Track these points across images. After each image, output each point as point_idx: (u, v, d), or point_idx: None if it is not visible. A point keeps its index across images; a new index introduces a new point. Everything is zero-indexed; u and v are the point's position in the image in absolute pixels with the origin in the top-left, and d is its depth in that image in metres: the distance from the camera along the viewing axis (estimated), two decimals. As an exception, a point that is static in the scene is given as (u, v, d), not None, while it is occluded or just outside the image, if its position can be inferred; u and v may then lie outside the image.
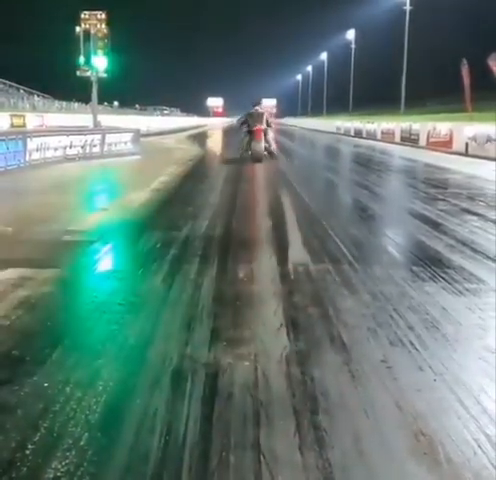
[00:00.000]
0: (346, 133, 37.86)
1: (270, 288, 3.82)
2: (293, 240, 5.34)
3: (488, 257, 4.78)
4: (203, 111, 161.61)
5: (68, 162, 12.52)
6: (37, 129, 11.51)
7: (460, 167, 13.14)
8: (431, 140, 22.06)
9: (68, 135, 12.72)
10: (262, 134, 12.59)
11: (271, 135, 13.34)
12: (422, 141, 23.04)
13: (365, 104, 79.85)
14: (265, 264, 4.44)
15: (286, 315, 3.32)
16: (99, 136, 13.90)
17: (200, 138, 28.68)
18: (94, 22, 14.71)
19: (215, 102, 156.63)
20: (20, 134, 10.50)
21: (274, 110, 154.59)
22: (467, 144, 18.21)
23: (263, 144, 12.60)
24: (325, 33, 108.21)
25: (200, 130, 46.08)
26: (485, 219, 6.57)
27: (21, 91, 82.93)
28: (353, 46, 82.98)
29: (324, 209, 7.29)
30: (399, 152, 19.98)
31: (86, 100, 15.58)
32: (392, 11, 60.91)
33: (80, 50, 14.98)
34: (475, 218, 6.62)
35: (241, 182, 9.83)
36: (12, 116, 37.11)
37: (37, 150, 11.13)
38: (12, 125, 36.72)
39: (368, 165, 13.82)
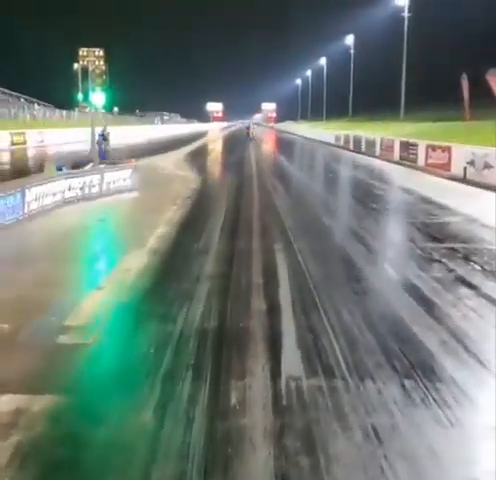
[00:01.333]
0: (345, 145, 37.81)
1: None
2: (286, 332, 5.36)
3: (481, 363, 4.79)
4: (203, 116, 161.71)
5: (67, 206, 12.54)
6: (36, 178, 11.49)
7: (458, 204, 13.13)
8: (429, 161, 22.09)
9: (66, 179, 12.72)
10: (251, 132, 50.70)
11: (254, 132, 51.38)
12: (420, 161, 23.07)
13: (365, 108, 79.92)
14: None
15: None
16: (98, 176, 13.94)
17: (199, 158, 28.66)
18: (92, 59, 15.16)
19: (215, 107, 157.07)
20: (19, 187, 10.51)
21: (274, 114, 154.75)
22: (465, 169, 18.23)
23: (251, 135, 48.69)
24: (324, 38, 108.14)
25: (199, 143, 46.04)
26: (479, 295, 6.58)
27: (22, 100, 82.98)
28: (352, 51, 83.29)
29: (317, 275, 7.28)
30: (397, 178, 19.98)
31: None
32: (391, 17, 60.96)
33: (78, 87, 15.01)
34: (470, 294, 6.63)
35: (239, 237, 9.83)
36: (12, 134, 37.28)
37: (35, 199, 11.17)
38: (12, 143, 36.91)
39: (365, 201, 13.84)
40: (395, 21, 59.19)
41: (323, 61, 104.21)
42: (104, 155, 20.74)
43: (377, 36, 75.79)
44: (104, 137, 21.86)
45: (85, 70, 15.01)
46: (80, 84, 13.61)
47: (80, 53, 17.83)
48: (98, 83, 15.32)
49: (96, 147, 18.86)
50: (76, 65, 16.75)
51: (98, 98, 15.47)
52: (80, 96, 13.63)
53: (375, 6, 70.73)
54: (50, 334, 5.41)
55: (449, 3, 67.08)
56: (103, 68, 17.92)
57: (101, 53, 17.99)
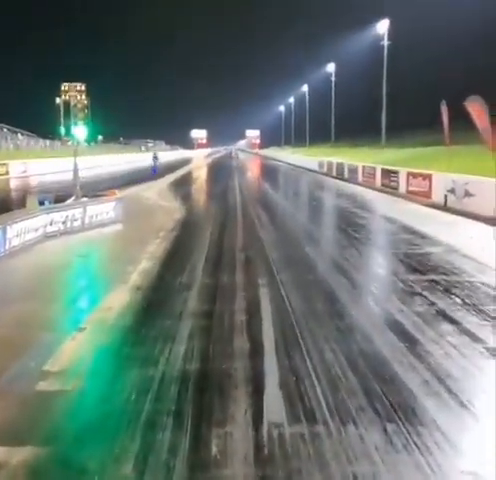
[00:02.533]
0: (328, 172, 38.12)
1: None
2: (268, 374, 5.33)
3: (462, 404, 4.79)
4: (187, 143, 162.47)
5: (49, 240, 12.47)
6: (18, 214, 11.43)
7: (439, 233, 13.24)
8: (410, 188, 22.31)
9: (49, 213, 12.67)
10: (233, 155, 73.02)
11: (237, 155, 77.61)
12: (402, 188, 23.28)
13: (347, 134, 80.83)
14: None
15: None
16: (80, 210, 13.91)
17: (183, 187, 28.73)
18: (74, 94, 15.05)
19: (199, 134, 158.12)
20: (0, 224, 10.44)
21: (258, 141, 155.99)
22: (446, 197, 18.40)
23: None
24: (307, 66, 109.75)
25: (184, 171, 46.19)
26: (461, 330, 6.60)
27: (4, 130, 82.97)
28: (333, 78, 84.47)
29: (300, 311, 7.28)
30: (379, 205, 20.13)
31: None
32: (372, 45, 62.04)
33: (61, 121, 15.02)
34: (451, 329, 6.64)
35: (223, 270, 9.82)
36: (-5, 165, 37.19)
37: (17, 236, 11.10)
38: (-5, 174, 36.76)
39: (348, 231, 13.90)
40: (376, 49, 60.24)
41: (305, 88, 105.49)
42: (156, 170, 37.60)
43: (358, 64, 76.98)
44: (156, 157, 40.07)
45: (67, 104, 15.14)
46: (62, 118, 13.77)
47: (62, 88, 17.96)
48: (80, 117, 15.44)
49: (152, 164, 33.38)
50: (58, 99, 16.89)
51: (80, 131, 15.49)
52: (62, 130, 13.78)
53: (356, 35, 71.86)
54: (29, 380, 5.34)
55: (429, 32, 68.29)
56: (85, 102, 18.06)
57: (83, 87, 18.14)
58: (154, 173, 37.05)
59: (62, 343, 6.29)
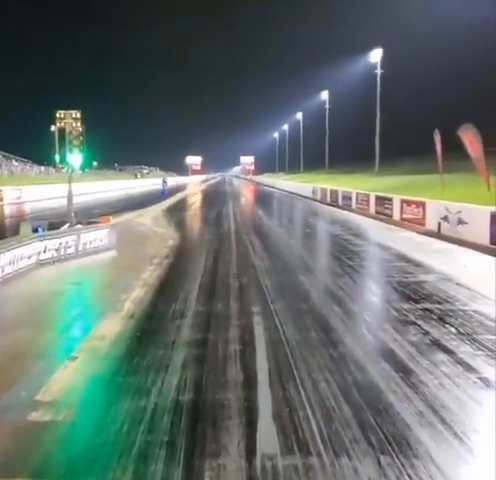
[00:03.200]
0: (322, 199, 38.30)
1: None
2: (262, 405, 5.31)
3: (456, 436, 4.78)
4: (182, 169, 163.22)
5: (42, 268, 12.45)
6: (12, 241, 11.43)
7: (433, 261, 13.31)
8: (404, 216, 22.42)
9: (42, 240, 12.67)
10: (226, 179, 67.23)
11: (231, 181, 73.12)
12: (396, 215, 23.40)
13: (341, 161, 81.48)
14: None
15: None
16: (74, 237, 13.91)
17: (177, 214, 28.82)
18: (69, 121, 15.12)
19: (194, 160, 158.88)
20: (-8, 251, 10.43)
21: (252, 167, 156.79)
22: (440, 224, 18.50)
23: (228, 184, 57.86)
24: (301, 94, 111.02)
25: (178, 197, 46.35)
26: (455, 360, 6.60)
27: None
28: (327, 106, 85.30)
29: (294, 340, 7.27)
30: (373, 233, 20.21)
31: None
32: (365, 74, 62.85)
33: (55, 148, 15.13)
34: (445, 359, 6.65)
35: (217, 298, 9.82)
36: (-11, 191, 37.27)
37: (10, 263, 11.08)
38: (-11, 199, 36.83)
39: (342, 259, 13.93)
40: (370, 77, 61.04)
41: (300, 116, 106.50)
42: (165, 192, 46.04)
43: (352, 92, 77.86)
44: (165, 182, 50.91)
45: (62, 131, 15.22)
46: (57, 145, 13.86)
47: (57, 115, 18.10)
48: (75, 144, 15.54)
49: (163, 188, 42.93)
50: (53, 127, 16.99)
51: (75, 159, 15.58)
52: (57, 157, 13.92)
53: (351, 63, 72.81)
54: (21, 410, 5.31)
55: (423, 61, 69.23)
56: (80, 129, 18.20)
57: (78, 115, 18.28)
58: (163, 195, 45.17)
59: (54, 372, 6.26)
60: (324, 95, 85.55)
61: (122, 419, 5.10)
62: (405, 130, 72.77)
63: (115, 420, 5.09)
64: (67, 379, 6.09)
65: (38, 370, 6.34)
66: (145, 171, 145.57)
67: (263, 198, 49.76)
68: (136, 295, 9.98)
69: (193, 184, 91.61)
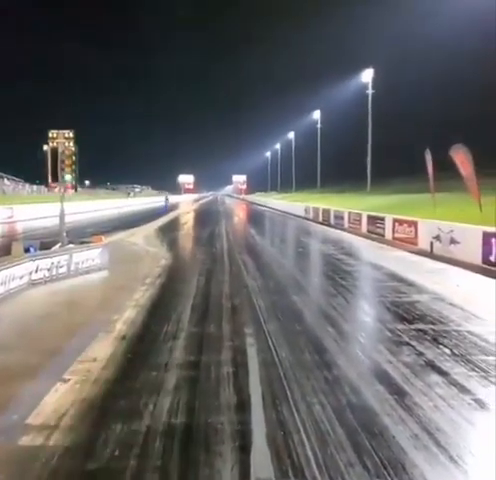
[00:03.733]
0: (315, 218, 38.39)
1: None
2: (256, 428, 5.26)
3: (451, 459, 4.75)
4: (174, 188, 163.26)
5: (34, 288, 12.38)
6: (3, 261, 11.37)
7: (426, 281, 13.33)
8: (396, 235, 22.48)
9: (34, 260, 12.61)
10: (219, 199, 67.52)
11: (223, 200, 74.98)
12: (388, 235, 23.45)
13: (333, 180, 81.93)
14: None
15: None
16: (66, 256, 13.85)
17: (169, 233, 28.78)
18: (62, 140, 14.94)
19: (186, 179, 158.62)
20: (-16, 272, 10.37)
21: (244, 186, 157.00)
22: (432, 244, 18.55)
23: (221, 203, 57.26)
24: (293, 113, 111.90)
25: (171, 216, 46.34)
26: (449, 382, 6.58)
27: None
28: (319, 125, 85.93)
29: (287, 362, 7.23)
30: (366, 252, 20.24)
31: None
32: (357, 94, 63.42)
33: (48, 168, 15.12)
34: (440, 381, 6.62)
35: (209, 319, 9.78)
36: (-20, 211, 37.11)
37: (1, 284, 11.01)
38: (-20, 219, 36.66)
39: (335, 278, 13.93)
40: (361, 97, 61.60)
41: (292, 135, 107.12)
42: (166, 208, 57.76)
43: (344, 111, 78.48)
44: (167, 199, 64.92)
45: (54, 151, 15.28)
46: (49, 165, 13.85)
47: (50, 135, 18.10)
48: (67, 164, 15.52)
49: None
50: (46, 147, 17.00)
51: (67, 179, 15.58)
52: (50, 177, 13.90)
53: (343, 83, 73.42)
54: (12, 434, 5.25)
55: (415, 81, 69.93)
56: (72, 149, 18.17)
57: (71, 135, 18.25)
58: (165, 210, 55.49)
59: (45, 395, 6.21)
60: (316, 115, 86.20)
61: (114, 443, 5.04)
62: (397, 149, 73.31)
63: (107, 444, 5.03)
64: (58, 402, 6.03)
65: (29, 392, 6.27)
66: (137, 190, 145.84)
67: (255, 217, 49.83)
68: (128, 316, 9.92)
69: (186, 203, 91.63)
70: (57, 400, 6.08)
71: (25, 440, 5.16)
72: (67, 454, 4.91)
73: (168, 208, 59.17)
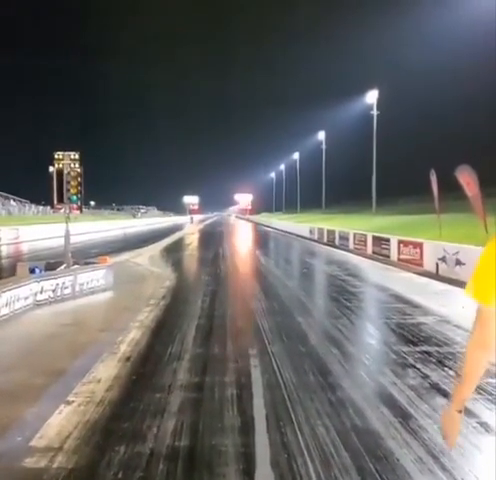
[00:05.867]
0: (319, 239, 38.42)
1: None
2: (259, 451, 5.26)
3: (457, 483, 4.72)
4: (179, 208, 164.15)
5: (39, 308, 12.43)
6: (8, 283, 11.43)
7: (432, 302, 13.32)
8: (402, 256, 22.46)
9: (39, 281, 12.67)
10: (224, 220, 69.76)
11: (228, 221, 79.87)
12: (393, 256, 23.45)
13: (338, 200, 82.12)
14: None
15: None
16: (71, 277, 13.91)
17: (174, 254, 28.87)
18: (67, 162, 15.09)
19: (191, 200, 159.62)
20: (-11, 293, 10.43)
21: (249, 207, 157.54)
22: (437, 265, 18.54)
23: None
24: (298, 134, 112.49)
25: (176, 237, 46.50)
26: (454, 405, 6.53)
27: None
28: (323, 146, 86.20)
29: (292, 384, 7.24)
30: (371, 273, 20.24)
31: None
32: (362, 114, 63.80)
33: (53, 189, 15.26)
34: (445, 403, 6.59)
35: (214, 340, 9.79)
36: (-14, 231, 37.30)
37: (6, 305, 11.06)
38: (-14, 240, 36.83)
39: (340, 300, 13.93)
40: (366, 117, 61.94)
41: (296, 156, 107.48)
42: (192, 220, 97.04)
43: (349, 132, 78.86)
44: (192, 218, 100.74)
45: (60, 172, 15.43)
46: (55, 186, 13.96)
47: (56, 156, 18.35)
48: (73, 185, 15.66)
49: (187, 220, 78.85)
50: (51, 168, 17.16)
51: (73, 200, 15.72)
52: (55, 198, 14.03)
53: (347, 104, 73.87)
54: (16, 456, 5.26)
55: (420, 101, 70.28)
56: (78, 171, 18.32)
57: (76, 156, 18.48)
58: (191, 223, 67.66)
59: (49, 417, 6.22)
60: (321, 135, 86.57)
61: (118, 466, 5.04)
62: (402, 170, 73.53)
63: (111, 466, 5.04)
64: (62, 424, 6.04)
65: (33, 414, 6.28)
66: (142, 211, 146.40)
67: (260, 238, 49.90)
68: (132, 337, 9.95)
69: (190, 224, 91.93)
70: (61, 422, 6.10)
71: (29, 462, 5.15)
72: (71, 476, 4.91)
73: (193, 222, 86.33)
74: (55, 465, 5.11)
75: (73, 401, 6.75)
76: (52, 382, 7.49)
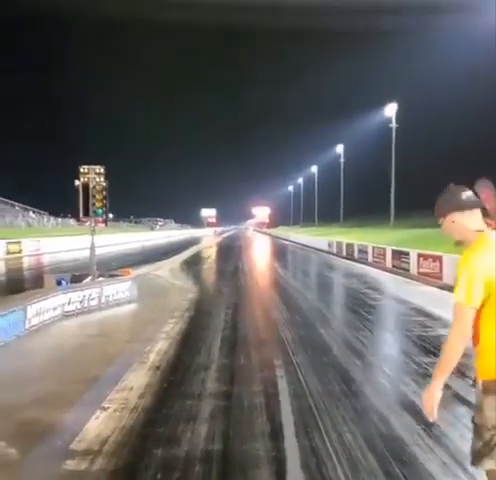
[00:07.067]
0: (338, 252, 38.56)
1: None
2: (289, 455, 5.52)
3: (480, 486, 4.93)
4: (196, 221, 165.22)
5: (66, 320, 12.77)
6: (37, 294, 11.80)
7: (451, 314, 13.42)
8: (421, 270, 22.58)
9: (66, 293, 13.03)
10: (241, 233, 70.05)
11: (245, 234, 74.63)
12: (413, 269, 23.56)
13: (356, 213, 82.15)
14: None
15: None
16: (97, 289, 14.26)
17: (194, 267, 29.21)
18: (93, 176, 15.50)
19: (208, 213, 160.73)
20: (21, 304, 10.81)
21: (266, 220, 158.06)
22: (457, 278, 18.59)
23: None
24: (316, 148, 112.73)
25: (194, 250, 46.84)
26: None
27: (16, 207, 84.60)
28: (342, 160, 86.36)
29: (317, 392, 7.48)
30: (391, 286, 20.41)
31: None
32: (380, 126, 63.93)
33: (79, 203, 15.66)
34: (466, 411, 6.81)
35: (239, 351, 10.04)
36: (8, 243, 37.92)
37: (36, 315, 11.42)
38: (8, 252, 37.48)
39: (360, 313, 14.15)
40: (384, 130, 62.06)
41: (314, 169, 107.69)
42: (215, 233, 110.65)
43: (366, 145, 78.95)
44: (215, 232, 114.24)
45: (86, 186, 15.82)
46: (81, 199, 14.30)
47: (81, 170, 18.78)
48: (98, 199, 16.01)
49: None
50: (77, 182, 17.60)
51: (98, 213, 16.12)
52: (81, 211, 14.41)
53: (365, 117, 74.09)
54: (57, 459, 5.54)
55: (439, 113, 70.19)
56: (103, 184, 18.69)
57: (101, 170, 18.87)
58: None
59: (87, 422, 6.51)
60: (339, 149, 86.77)
61: (156, 467, 5.32)
62: (416, 182, 73.40)
63: (149, 468, 5.32)
64: (100, 429, 6.33)
65: (70, 420, 6.58)
66: (160, 223, 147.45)
67: (279, 252, 50.12)
68: (160, 347, 10.25)
69: (208, 237, 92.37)
70: (98, 427, 6.39)
71: (70, 464, 5.44)
72: (112, 478, 5.19)
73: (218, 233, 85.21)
74: (95, 467, 5.40)
75: (108, 407, 7.06)
76: (86, 390, 7.80)
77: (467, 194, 3.39)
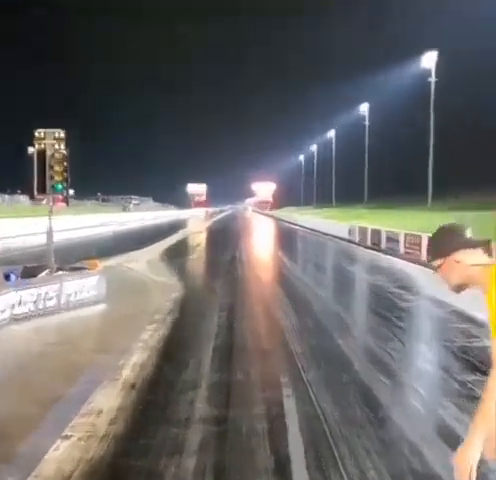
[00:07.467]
0: (361, 240, 38.61)
1: None
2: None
3: None
4: (182, 200, 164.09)
5: (17, 324, 12.79)
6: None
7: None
8: (466, 264, 22.52)
9: (17, 291, 13.04)
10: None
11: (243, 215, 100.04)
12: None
13: (382, 192, 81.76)
14: None
15: None
16: (56, 286, 14.28)
17: (178, 257, 29.25)
18: (51, 142, 15.44)
19: (196, 189, 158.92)
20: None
21: (270, 199, 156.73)
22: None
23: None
24: (333, 106, 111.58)
25: (180, 237, 46.83)
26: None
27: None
28: (367, 122, 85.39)
29: (333, 418, 7.57)
30: (427, 285, 20.46)
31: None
32: (414, 84, 63.43)
33: (33, 175, 15.61)
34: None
35: (235, 365, 10.12)
36: None
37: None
38: None
39: (389, 318, 14.24)
40: (419, 87, 61.53)
41: (332, 134, 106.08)
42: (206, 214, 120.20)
43: (399, 106, 78.11)
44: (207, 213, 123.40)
45: (42, 155, 15.51)
46: (35, 171, 14.08)
47: (36, 135, 18.17)
48: (57, 171, 15.70)
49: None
50: (31, 149, 17.15)
51: (58, 189, 16.08)
52: (35, 185, 14.19)
53: (395, 71, 73.46)
54: None
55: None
56: (64, 152, 18.20)
57: (62, 135, 18.21)
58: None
59: (44, 454, 6.58)
60: (362, 108, 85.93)
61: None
62: (465, 153, 73.09)
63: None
64: (60, 462, 6.40)
65: (26, 451, 6.65)
66: (135, 202, 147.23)
67: (288, 241, 50.09)
68: (136, 360, 10.33)
69: (197, 220, 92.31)
70: (58, 460, 6.46)
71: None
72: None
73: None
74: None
75: (71, 436, 7.13)
76: (44, 414, 7.86)
77: (469, 231, 3.54)
